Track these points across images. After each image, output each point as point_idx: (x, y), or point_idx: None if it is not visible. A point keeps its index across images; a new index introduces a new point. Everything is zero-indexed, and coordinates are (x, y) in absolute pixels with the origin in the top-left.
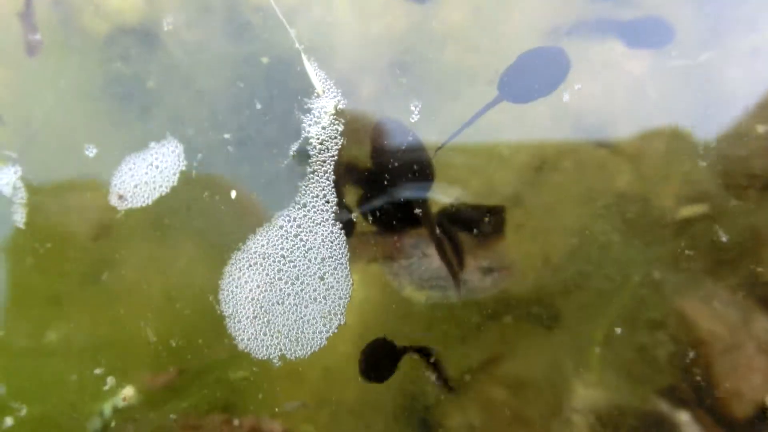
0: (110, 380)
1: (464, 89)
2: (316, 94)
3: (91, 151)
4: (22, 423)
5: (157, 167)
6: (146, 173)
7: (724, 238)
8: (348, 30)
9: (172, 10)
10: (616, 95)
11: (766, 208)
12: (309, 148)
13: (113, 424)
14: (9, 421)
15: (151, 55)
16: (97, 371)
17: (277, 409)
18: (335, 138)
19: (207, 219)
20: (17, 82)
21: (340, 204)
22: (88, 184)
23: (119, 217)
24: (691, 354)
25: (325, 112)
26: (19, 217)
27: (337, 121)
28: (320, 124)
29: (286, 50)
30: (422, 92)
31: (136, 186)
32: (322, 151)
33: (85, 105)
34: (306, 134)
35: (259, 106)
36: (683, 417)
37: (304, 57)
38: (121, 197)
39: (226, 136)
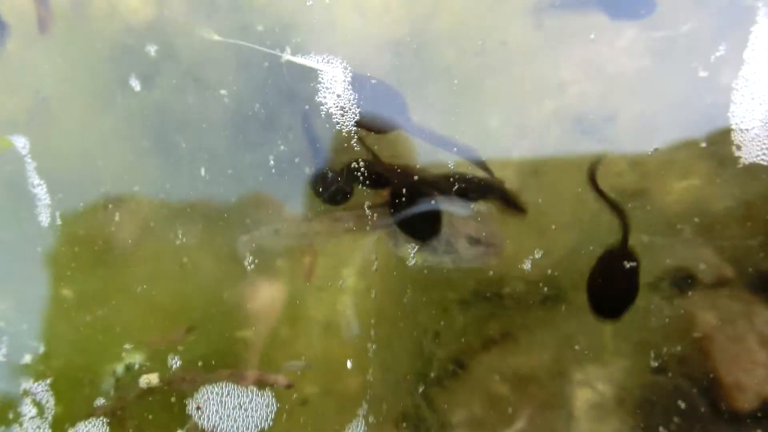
0: (122, 338)
1: (452, 63)
2: (320, 71)
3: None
4: (40, 360)
5: (245, 411)
6: (232, 411)
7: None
8: (348, 15)
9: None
10: (604, 73)
11: (760, 184)
12: (331, 116)
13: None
14: (27, 357)
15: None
16: (107, 326)
17: (283, 368)
18: (353, 102)
19: None
20: (28, 58)
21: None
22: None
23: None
24: (692, 340)
25: (335, 80)
26: (34, 182)
27: (350, 87)
28: (335, 92)
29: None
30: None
31: (217, 413)
32: (344, 115)
33: (91, 82)
34: (324, 107)
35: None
36: (685, 406)
37: (292, 59)
38: (199, 408)
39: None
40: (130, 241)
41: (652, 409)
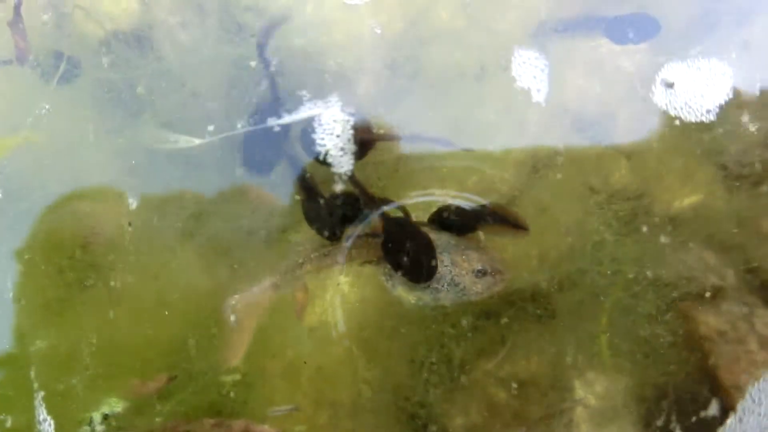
0: (99, 387)
1: (452, 85)
2: (317, 116)
3: None
4: None
5: None
6: None
7: (718, 233)
8: (341, 30)
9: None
10: (609, 91)
11: (761, 201)
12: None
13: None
14: None
15: (143, 59)
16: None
17: (268, 414)
18: (351, 141)
19: None
20: (7, 90)
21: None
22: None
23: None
24: (692, 349)
25: (335, 121)
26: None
27: (348, 125)
28: (334, 133)
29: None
30: (413, 91)
31: None
32: (344, 155)
33: (75, 112)
34: (324, 148)
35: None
36: (688, 411)
37: (286, 121)
38: None
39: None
40: (108, 280)
41: (654, 414)
